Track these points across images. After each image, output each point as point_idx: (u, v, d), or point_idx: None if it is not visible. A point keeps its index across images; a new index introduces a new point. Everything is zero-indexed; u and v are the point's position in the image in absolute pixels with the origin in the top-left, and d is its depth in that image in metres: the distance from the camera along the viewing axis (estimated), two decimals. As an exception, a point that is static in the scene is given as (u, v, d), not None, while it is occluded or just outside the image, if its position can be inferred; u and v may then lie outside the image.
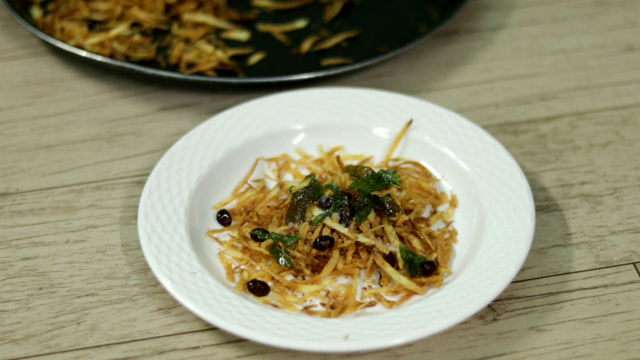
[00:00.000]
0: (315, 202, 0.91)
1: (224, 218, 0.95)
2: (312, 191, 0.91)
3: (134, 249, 0.94)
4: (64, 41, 1.11)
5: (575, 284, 0.91)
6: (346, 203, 0.90)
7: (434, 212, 0.96)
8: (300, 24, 1.20)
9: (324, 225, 0.90)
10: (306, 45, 1.16)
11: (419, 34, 1.14)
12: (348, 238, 0.89)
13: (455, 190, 0.97)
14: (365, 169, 0.93)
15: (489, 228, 0.91)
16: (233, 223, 0.95)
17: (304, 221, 0.90)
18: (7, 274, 0.92)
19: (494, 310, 0.88)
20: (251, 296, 0.88)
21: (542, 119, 1.08)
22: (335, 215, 0.90)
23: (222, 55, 1.14)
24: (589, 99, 1.11)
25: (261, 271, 0.90)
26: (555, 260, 0.93)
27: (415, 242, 0.91)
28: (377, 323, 0.83)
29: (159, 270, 0.86)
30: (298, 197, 0.91)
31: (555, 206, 0.98)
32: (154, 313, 0.89)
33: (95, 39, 1.14)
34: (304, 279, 0.90)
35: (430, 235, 0.93)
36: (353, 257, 0.90)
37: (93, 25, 1.17)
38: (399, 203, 0.92)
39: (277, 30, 1.19)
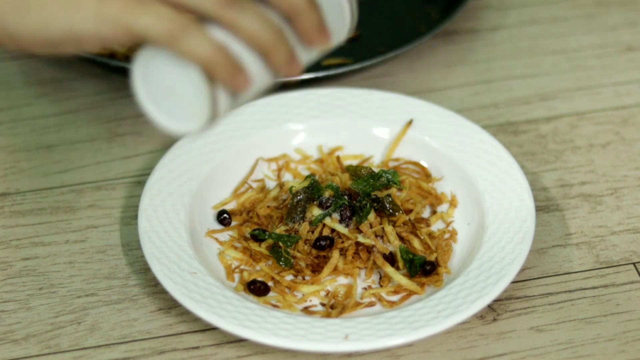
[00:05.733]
0: (315, 202, 0.91)
1: (224, 218, 0.95)
2: (312, 191, 0.91)
3: (134, 249, 0.94)
4: (64, 41, 1.11)
5: (575, 284, 0.91)
6: (346, 203, 0.90)
7: (434, 212, 0.96)
8: (300, 24, 1.20)
9: (324, 225, 0.90)
10: (306, 45, 1.16)
11: (419, 34, 1.14)
12: (348, 238, 0.89)
13: (455, 190, 0.97)
14: (365, 169, 0.93)
15: (489, 228, 0.91)
16: (233, 223, 0.95)
17: (304, 221, 0.90)
18: (7, 274, 0.92)
19: (494, 310, 0.88)
20: (251, 296, 0.88)
21: (542, 119, 1.08)
22: (335, 215, 0.90)
23: (222, 55, 1.13)
24: (589, 99, 1.11)
25: (261, 271, 0.90)
26: (555, 260, 0.93)
27: (416, 242, 0.91)
28: (377, 323, 0.83)
29: (159, 270, 0.86)
30: (298, 197, 0.91)
31: (555, 206, 0.98)
32: (154, 313, 0.89)
33: (95, 39, 1.14)
34: (304, 279, 0.89)
35: (430, 235, 0.93)
36: (353, 257, 0.90)
37: (93, 25, 1.17)
38: (399, 203, 0.92)
39: (277, 30, 1.19)
